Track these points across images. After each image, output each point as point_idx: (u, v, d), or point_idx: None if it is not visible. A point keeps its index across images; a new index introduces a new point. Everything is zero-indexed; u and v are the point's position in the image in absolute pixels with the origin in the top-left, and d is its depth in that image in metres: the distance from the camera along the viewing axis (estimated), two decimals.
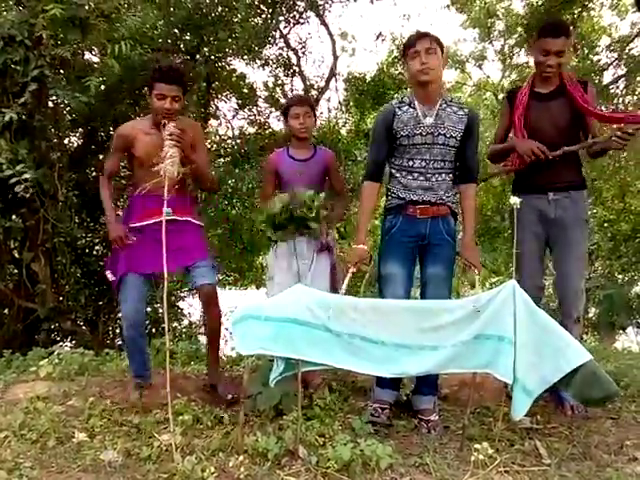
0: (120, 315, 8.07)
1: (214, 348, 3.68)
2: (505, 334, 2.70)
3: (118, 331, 8.46)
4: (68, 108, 7.16)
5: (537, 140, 3.39)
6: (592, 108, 3.42)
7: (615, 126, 3.40)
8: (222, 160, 9.96)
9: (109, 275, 3.54)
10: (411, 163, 3.26)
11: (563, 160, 3.38)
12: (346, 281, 3.15)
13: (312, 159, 3.79)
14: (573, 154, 3.46)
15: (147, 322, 7.43)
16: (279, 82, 11.04)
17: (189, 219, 3.55)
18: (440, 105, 3.24)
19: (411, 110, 3.25)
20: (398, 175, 3.30)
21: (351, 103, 12.00)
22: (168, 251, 3.15)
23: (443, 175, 3.26)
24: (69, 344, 7.34)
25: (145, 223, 3.43)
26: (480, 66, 17.29)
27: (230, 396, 3.49)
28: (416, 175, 3.25)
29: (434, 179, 3.24)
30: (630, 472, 2.67)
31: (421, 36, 3.19)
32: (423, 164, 3.23)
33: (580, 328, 3.47)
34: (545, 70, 3.41)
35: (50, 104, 6.41)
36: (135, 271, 3.43)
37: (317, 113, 11.91)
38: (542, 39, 3.39)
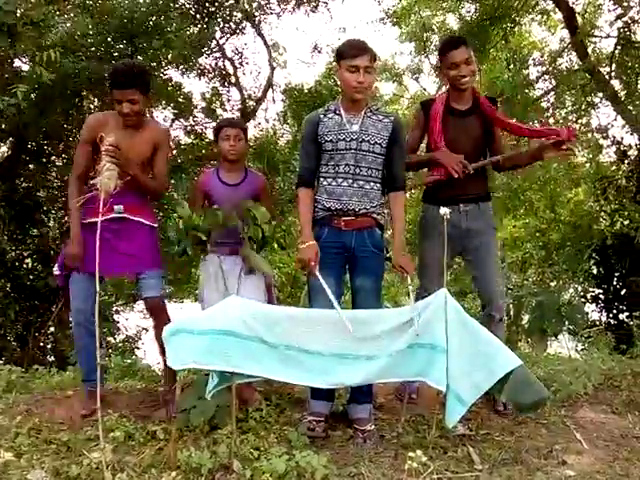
0: (52, 330, 7.97)
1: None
2: (437, 342, 2.74)
3: (49, 346, 8.24)
4: None
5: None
6: (509, 123, 3.54)
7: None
8: None
9: (56, 270, 3.49)
10: (336, 169, 3.26)
11: (473, 174, 3.50)
12: (323, 283, 3.09)
13: (243, 183, 3.73)
14: (481, 168, 3.59)
15: None
16: (216, 92, 10.99)
17: (142, 220, 3.45)
18: (365, 113, 3.27)
19: (336, 117, 3.28)
20: (324, 182, 3.31)
21: (288, 114, 12.04)
22: (118, 253, 3.18)
23: (371, 183, 3.28)
24: None
25: (95, 220, 3.13)
26: (417, 79, 17.66)
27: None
28: (340, 180, 3.26)
29: (357, 185, 3.25)
30: (559, 475, 2.73)
31: (362, 51, 3.17)
32: (347, 169, 3.24)
33: (503, 328, 3.58)
34: (460, 82, 3.48)
35: None
36: (83, 270, 3.33)
37: (255, 123, 12.02)
38: (446, 55, 3.50)
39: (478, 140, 3.58)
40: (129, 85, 3.25)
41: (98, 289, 2.78)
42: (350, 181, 3.24)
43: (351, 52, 3.19)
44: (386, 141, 3.26)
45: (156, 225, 3.57)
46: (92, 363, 3.44)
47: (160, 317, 3.49)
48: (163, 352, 3.49)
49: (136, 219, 3.42)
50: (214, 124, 10.80)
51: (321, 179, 3.34)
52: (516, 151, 3.53)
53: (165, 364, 3.59)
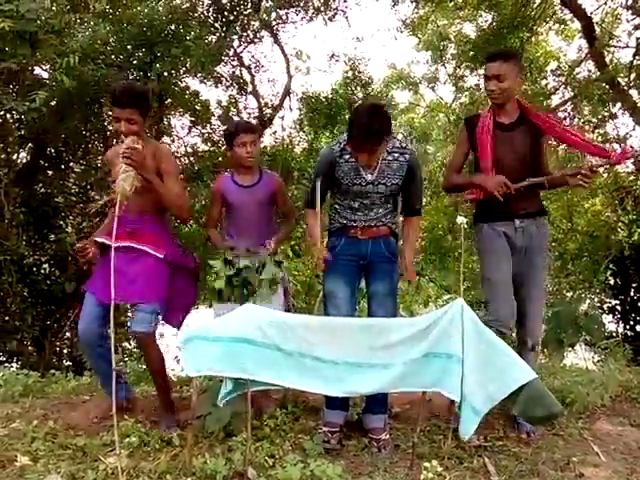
0: (68, 335, 8.01)
1: (157, 387, 3.54)
2: (453, 352, 2.73)
3: (66, 351, 8.28)
4: (17, 124, 7.03)
5: (500, 170, 3.37)
6: (563, 130, 3.39)
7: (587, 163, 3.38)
8: None
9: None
10: (352, 203, 3.37)
11: (527, 188, 3.37)
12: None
13: (258, 184, 3.73)
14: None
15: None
16: (233, 100, 11.04)
17: (147, 249, 3.34)
18: (381, 159, 3.27)
19: (352, 162, 3.28)
20: (339, 208, 3.43)
21: (305, 122, 12.06)
22: (122, 280, 3.10)
23: (386, 205, 3.40)
24: (15, 365, 7.15)
25: (104, 241, 3.29)
26: (433, 88, 17.60)
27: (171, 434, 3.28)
28: (355, 210, 3.37)
29: (372, 213, 3.36)
30: None
31: (365, 143, 3.10)
32: (362, 206, 3.35)
33: (536, 357, 3.51)
34: (489, 95, 3.43)
35: None
36: (91, 292, 3.36)
37: (271, 132, 12.04)
38: (485, 66, 3.45)
39: (525, 154, 3.43)
40: (129, 105, 3.27)
41: (113, 295, 2.76)
42: (366, 211, 3.36)
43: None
44: (402, 179, 3.32)
45: (162, 256, 3.36)
46: (106, 374, 3.47)
47: (147, 352, 3.42)
48: (154, 381, 3.52)
49: (142, 247, 3.34)
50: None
51: (337, 206, 3.44)
52: (560, 173, 3.40)
53: (154, 374, 3.52)
